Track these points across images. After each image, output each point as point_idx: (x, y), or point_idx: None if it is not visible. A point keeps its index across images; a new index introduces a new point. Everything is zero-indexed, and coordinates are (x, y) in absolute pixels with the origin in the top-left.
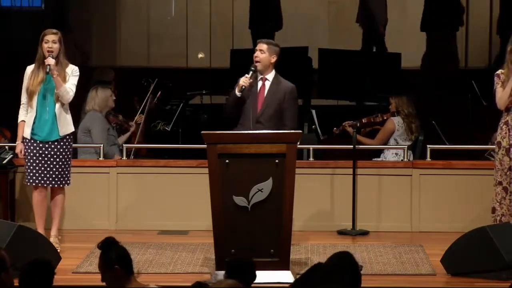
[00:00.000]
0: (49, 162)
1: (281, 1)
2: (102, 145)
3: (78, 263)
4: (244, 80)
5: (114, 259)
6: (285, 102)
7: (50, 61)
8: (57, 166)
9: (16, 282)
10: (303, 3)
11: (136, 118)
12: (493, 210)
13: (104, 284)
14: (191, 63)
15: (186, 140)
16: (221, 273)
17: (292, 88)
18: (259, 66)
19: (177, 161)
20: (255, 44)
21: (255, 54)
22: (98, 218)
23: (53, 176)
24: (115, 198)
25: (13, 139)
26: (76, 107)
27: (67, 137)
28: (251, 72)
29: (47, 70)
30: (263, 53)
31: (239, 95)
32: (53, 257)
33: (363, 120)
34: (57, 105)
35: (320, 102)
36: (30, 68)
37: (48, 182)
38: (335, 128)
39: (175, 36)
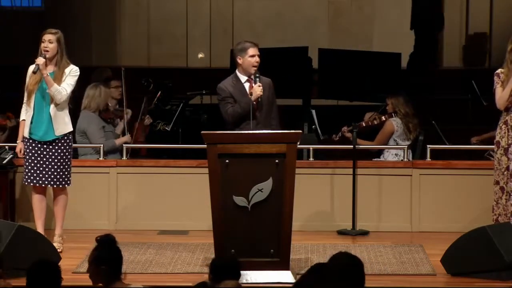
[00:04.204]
0: (47, 163)
1: (281, 1)
2: (102, 145)
3: (78, 263)
4: (261, 89)
5: (105, 259)
6: (270, 95)
7: (39, 60)
8: (56, 167)
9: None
10: (303, 3)
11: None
12: (492, 209)
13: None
14: (191, 63)
15: (186, 140)
16: None
17: (271, 81)
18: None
19: (177, 161)
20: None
21: (256, 60)
22: (98, 218)
23: (52, 176)
24: (115, 198)
25: (15, 130)
26: (76, 108)
27: (65, 137)
28: (258, 79)
29: (35, 69)
30: (259, 56)
31: (255, 103)
32: (53, 257)
33: (362, 124)
34: (52, 105)
35: (320, 102)
36: (31, 68)
37: (46, 182)
38: (334, 135)
39: (175, 36)
